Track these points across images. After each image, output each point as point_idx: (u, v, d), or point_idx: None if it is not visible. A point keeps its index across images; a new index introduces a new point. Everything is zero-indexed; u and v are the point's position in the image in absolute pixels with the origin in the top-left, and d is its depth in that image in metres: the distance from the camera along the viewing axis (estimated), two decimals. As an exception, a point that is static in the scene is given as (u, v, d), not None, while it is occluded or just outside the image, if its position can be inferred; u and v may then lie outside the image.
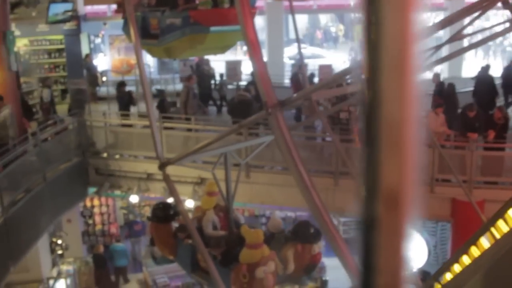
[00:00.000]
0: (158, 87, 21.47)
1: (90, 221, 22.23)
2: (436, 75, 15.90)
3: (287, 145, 6.99)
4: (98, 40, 26.48)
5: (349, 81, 9.06)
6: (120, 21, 25.69)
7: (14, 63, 14.50)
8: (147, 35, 10.09)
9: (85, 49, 23.79)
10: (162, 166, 9.05)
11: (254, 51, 7.19)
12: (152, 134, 9.21)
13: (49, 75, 23.21)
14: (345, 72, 6.90)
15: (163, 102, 17.08)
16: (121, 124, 16.33)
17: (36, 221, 13.18)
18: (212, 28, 9.17)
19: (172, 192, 9.08)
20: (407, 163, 1.05)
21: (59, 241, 17.39)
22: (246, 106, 14.14)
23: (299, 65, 16.53)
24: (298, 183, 6.89)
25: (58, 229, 17.42)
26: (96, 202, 22.26)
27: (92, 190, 16.16)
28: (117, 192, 16.46)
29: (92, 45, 25.09)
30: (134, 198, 15.66)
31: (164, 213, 10.57)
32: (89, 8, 25.15)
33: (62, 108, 20.39)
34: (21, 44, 23.77)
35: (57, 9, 20.77)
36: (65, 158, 15.21)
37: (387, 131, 1.04)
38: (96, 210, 22.39)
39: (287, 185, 14.39)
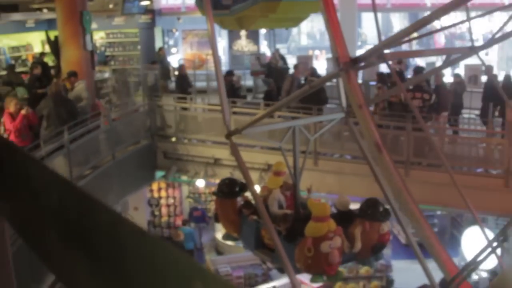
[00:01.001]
0: None
1: (157, 212, 22.45)
2: (489, 68, 14.97)
3: (359, 102, 6.74)
4: (171, 35, 26.85)
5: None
6: (193, 16, 26.25)
7: (89, 42, 14.86)
8: (219, 6, 10.02)
9: (158, 43, 24.20)
10: (229, 135, 8.92)
11: (326, 5, 7.00)
12: (221, 102, 9.09)
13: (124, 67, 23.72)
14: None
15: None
16: (189, 108, 16.39)
17: (103, 197, 13.31)
18: (286, -4, 9.02)
19: (239, 162, 8.92)
20: None
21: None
22: (316, 94, 13.86)
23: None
24: (371, 148, 6.60)
25: (124, 212, 17.58)
26: (163, 193, 22.44)
27: (160, 174, 16.25)
28: (184, 177, 16.50)
29: (165, 39, 25.46)
30: (200, 183, 15.63)
31: (229, 189, 10.42)
32: (164, 3, 25.56)
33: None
34: (98, 37, 24.46)
35: (133, 3, 21.15)
36: (134, 140, 15.36)
37: None
38: (163, 201, 22.54)
39: (356, 174, 14.05)
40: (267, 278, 16.64)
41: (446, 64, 7.88)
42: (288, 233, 9.21)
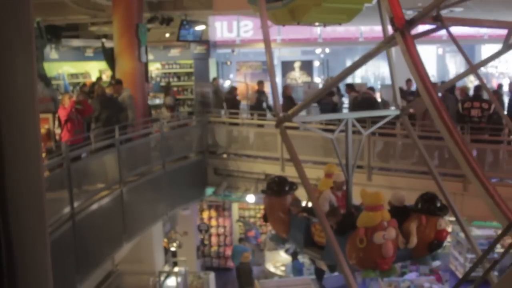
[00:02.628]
0: None
1: (207, 241, 22.22)
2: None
3: (416, 66, 6.44)
4: (225, 67, 27.20)
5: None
6: (247, 49, 26.58)
7: (144, 54, 15.10)
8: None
9: (213, 74, 24.47)
10: (279, 123, 8.72)
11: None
12: (273, 91, 8.96)
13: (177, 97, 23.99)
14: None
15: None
16: (241, 124, 16.34)
17: (152, 204, 13.23)
18: (338, -16, 8.85)
19: (290, 150, 8.68)
20: None
21: (174, 244, 17.36)
22: (369, 103, 13.61)
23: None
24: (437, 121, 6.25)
25: (173, 227, 17.42)
26: (213, 222, 22.29)
27: (210, 190, 16.11)
28: (234, 195, 16.31)
29: (220, 71, 25.77)
30: (250, 199, 15.38)
31: (279, 187, 10.16)
32: (219, 36, 25.97)
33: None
34: (153, 68, 24.99)
35: (189, 30, 21.52)
36: (184, 154, 15.37)
37: None
38: (213, 230, 22.35)
39: (411, 189, 13.47)
40: (315, 302, 16.01)
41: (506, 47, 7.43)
42: (339, 226, 8.81)
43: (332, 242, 7.73)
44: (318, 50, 28.76)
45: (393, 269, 8.57)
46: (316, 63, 28.66)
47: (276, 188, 10.17)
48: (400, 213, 8.85)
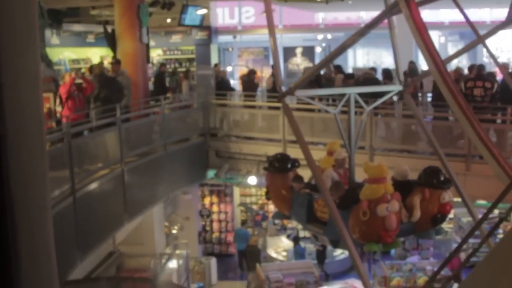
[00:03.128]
0: None
1: (208, 228, 22.20)
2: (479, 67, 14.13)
3: (420, 32, 6.35)
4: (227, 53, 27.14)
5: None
6: (248, 35, 26.50)
7: (145, 35, 15.04)
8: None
9: (214, 59, 24.38)
10: (282, 96, 8.67)
11: None
12: (275, 65, 8.91)
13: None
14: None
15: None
16: (243, 106, 16.27)
17: (153, 185, 13.17)
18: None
19: (292, 123, 8.63)
20: None
21: (175, 227, 17.35)
22: (371, 84, 13.50)
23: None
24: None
25: (175, 211, 17.38)
26: (215, 208, 22.27)
27: (211, 173, 16.06)
28: (236, 178, 16.28)
29: (221, 57, 25.69)
30: (252, 180, 15.32)
31: (281, 164, 10.12)
32: (221, 22, 25.89)
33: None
34: (155, 54, 24.91)
35: (191, 14, 21.40)
36: (186, 135, 15.31)
37: None
38: (214, 216, 22.33)
39: (414, 169, 13.37)
40: (318, 286, 16.00)
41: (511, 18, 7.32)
42: (341, 200, 8.77)
43: (335, 216, 7.68)
44: (319, 36, 28.69)
45: (396, 242, 8.54)
46: (318, 49, 28.57)
47: (278, 165, 10.15)
48: (403, 187, 8.78)
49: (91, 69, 14.69)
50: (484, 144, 5.50)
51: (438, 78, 5.91)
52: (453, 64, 19.46)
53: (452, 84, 5.91)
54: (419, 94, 16.17)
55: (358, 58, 31.08)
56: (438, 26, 26.17)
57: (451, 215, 19.58)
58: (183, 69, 24.55)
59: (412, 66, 16.78)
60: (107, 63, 20.33)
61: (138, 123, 12.92)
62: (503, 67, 8.73)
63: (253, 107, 16.16)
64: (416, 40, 6.41)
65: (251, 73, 17.56)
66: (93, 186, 10.43)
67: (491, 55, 7.10)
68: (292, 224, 20.64)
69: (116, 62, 14.12)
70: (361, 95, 9.35)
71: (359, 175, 9.50)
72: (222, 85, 17.29)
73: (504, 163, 5.32)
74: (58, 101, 12.00)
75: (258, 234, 20.42)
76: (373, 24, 7.36)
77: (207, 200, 22.18)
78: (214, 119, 15.92)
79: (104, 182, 10.89)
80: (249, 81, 17.29)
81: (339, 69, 16.30)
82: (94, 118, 11.14)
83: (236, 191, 22.01)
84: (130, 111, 13.11)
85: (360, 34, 7.62)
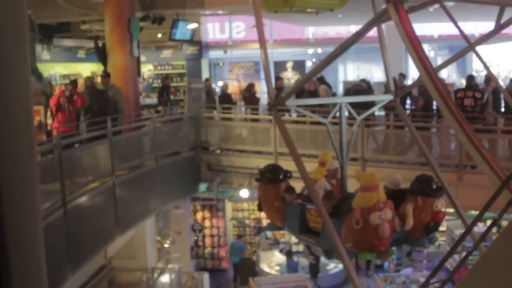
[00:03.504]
0: None
1: (201, 243, 22.08)
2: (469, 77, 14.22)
3: (410, 39, 6.37)
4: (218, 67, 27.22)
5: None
6: (239, 50, 26.61)
7: (136, 49, 15.03)
8: (263, -17, 9.92)
9: (205, 74, 24.43)
10: (273, 106, 8.64)
11: None
12: (266, 75, 8.89)
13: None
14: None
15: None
16: (233, 119, 16.29)
17: (144, 199, 13.11)
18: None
19: (283, 132, 8.60)
20: None
21: (167, 241, 17.24)
22: (362, 94, 13.54)
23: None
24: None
25: (166, 225, 17.28)
26: (207, 222, 22.16)
27: (203, 186, 16.01)
28: (228, 191, 16.24)
29: (212, 71, 25.76)
30: (244, 193, 15.28)
31: (273, 174, 10.07)
32: (211, 37, 25.99)
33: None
34: (146, 69, 24.94)
35: (181, 29, 21.46)
36: (177, 149, 15.28)
37: None
38: (207, 231, 22.22)
39: (407, 180, 13.38)
40: (311, 300, 15.95)
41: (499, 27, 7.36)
42: (334, 209, 8.72)
43: (328, 226, 7.63)
44: (310, 51, 28.83)
45: (390, 251, 8.46)
46: (308, 63, 28.71)
47: (270, 175, 10.08)
48: (396, 196, 8.75)
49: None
50: (476, 148, 5.50)
51: (429, 83, 5.92)
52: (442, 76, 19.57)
53: (442, 88, 5.92)
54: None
55: (349, 72, 31.23)
56: (427, 39, 26.36)
57: (443, 228, 19.61)
58: (175, 84, 24.71)
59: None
60: (98, 77, 20.37)
61: (129, 136, 12.88)
62: (494, 77, 8.79)
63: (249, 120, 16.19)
64: (406, 46, 6.42)
65: (250, 87, 17.59)
66: (84, 198, 10.36)
67: (483, 63, 7.11)
68: (285, 238, 20.59)
69: (105, 75, 14.10)
70: (352, 107, 9.35)
71: (352, 186, 9.49)
72: (225, 99, 17.30)
73: (497, 167, 5.32)
74: (48, 113, 11.95)
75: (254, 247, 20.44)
76: (363, 31, 7.37)
77: (199, 215, 22.08)
78: (205, 132, 15.90)
79: (95, 195, 10.82)
80: (250, 96, 17.32)
81: (321, 80, 16.33)
82: (84, 131, 11.09)
83: (228, 205, 21.94)
84: (121, 124, 13.07)
85: (350, 41, 7.63)
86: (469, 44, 7.17)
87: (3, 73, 2.14)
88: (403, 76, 16.56)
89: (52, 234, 8.73)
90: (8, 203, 2.23)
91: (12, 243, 2.27)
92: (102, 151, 11.47)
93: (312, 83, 15.74)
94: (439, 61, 32.62)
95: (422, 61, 6.18)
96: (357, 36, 7.53)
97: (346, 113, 9.25)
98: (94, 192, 10.78)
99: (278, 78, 17.46)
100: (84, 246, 10.14)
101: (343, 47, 7.85)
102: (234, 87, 25.89)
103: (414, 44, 6.27)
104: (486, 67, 7.35)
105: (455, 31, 22.71)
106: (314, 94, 15.44)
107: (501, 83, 24.73)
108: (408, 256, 18.44)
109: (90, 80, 13.28)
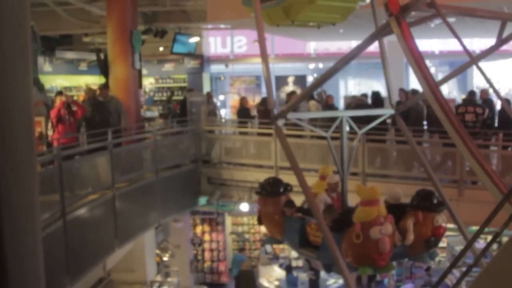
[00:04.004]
0: None
1: (200, 257, 22.00)
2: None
3: (412, 51, 6.39)
4: (219, 81, 27.29)
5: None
6: (240, 64, 26.68)
7: (138, 61, 15.09)
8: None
9: (206, 88, 24.47)
10: (274, 119, 8.65)
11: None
12: (267, 87, 8.90)
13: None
14: None
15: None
16: (234, 133, 16.28)
17: (144, 211, 13.07)
18: (331, -22, 8.86)
19: (284, 146, 8.59)
20: None
21: (166, 254, 17.17)
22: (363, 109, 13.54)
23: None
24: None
25: (166, 238, 17.23)
26: (207, 237, 22.08)
27: (203, 200, 15.97)
28: (228, 205, 16.19)
29: (213, 85, 25.82)
30: (244, 207, 15.24)
31: (273, 188, 10.05)
32: (213, 51, 26.08)
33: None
34: (147, 82, 25.00)
35: (183, 43, 21.55)
36: (178, 162, 15.26)
37: None
38: (206, 245, 22.14)
39: (407, 195, 13.32)
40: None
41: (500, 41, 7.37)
42: (334, 223, 8.68)
43: (329, 240, 7.59)
44: (311, 66, 28.91)
45: (390, 266, 8.42)
46: (309, 78, 28.79)
47: (270, 188, 10.05)
48: (396, 211, 8.72)
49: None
50: (477, 161, 5.49)
51: (430, 95, 5.93)
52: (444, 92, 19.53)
53: (444, 101, 5.93)
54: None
55: (350, 88, 31.28)
56: (428, 55, 26.41)
57: (444, 244, 19.52)
58: (179, 97, 24.72)
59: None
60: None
61: (130, 148, 12.88)
62: (497, 91, 8.77)
63: (245, 133, 16.16)
64: (408, 60, 6.45)
65: (265, 101, 17.58)
66: (84, 210, 10.33)
67: (485, 77, 7.11)
68: (285, 253, 20.51)
69: (104, 87, 14.10)
70: (354, 121, 9.35)
71: (352, 200, 9.46)
72: (242, 113, 17.25)
73: (498, 180, 5.31)
74: (49, 125, 11.96)
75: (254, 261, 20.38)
76: (365, 44, 7.39)
77: (198, 229, 22.01)
78: (206, 145, 15.89)
79: (95, 207, 10.79)
80: (265, 110, 17.27)
81: (311, 96, 16.22)
82: (85, 142, 11.09)
83: (228, 220, 21.88)
84: (122, 136, 13.07)
85: (351, 55, 7.65)
86: (471, 59, 7.18)
87: (5, 83, 2.13)
88: (403, 91, 16.55)
89: (51, 245, 8.68)
90: (7, 212, 2.21)
91: (10, 253, 2.25)
92: (102, 163, 11.45)
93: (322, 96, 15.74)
94: (440, 77, 32.73)
95: (424, 74, 6.21)
96: (359, 50, 7.55)
97: (348, 128, 9.29)
98: (93, 204, 10.75)
99: (293, 93, 17.46)
100: (83, 257, 10.10)
101: (345, 60, 7.87)
102: (234, 101, 25.94)
103: (416, 58, 6.30)
104: (488, 81, 7.35)
105: (456, 47, 22.75)
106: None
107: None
108: (427, 271, 18.37)
109: (91, 91, 13.31)
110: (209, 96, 22.97)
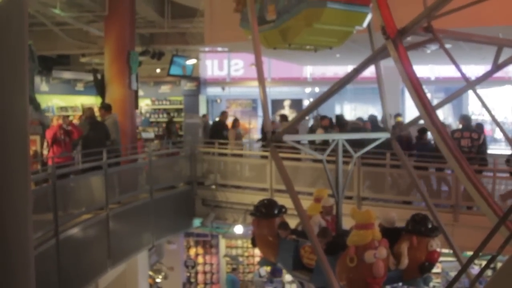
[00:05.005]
0: None
1: (193, 279, 21.83)
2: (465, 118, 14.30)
3: (409, 75, 6.42)
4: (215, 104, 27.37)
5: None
6: (237, 87, 26.79)
7: (134, 82, 15.12)
8: (264, 22, 10.02)
9: (202, 110, 24.51)
10: (270, 141, 8.66)
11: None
12: (263, 109, 8.93)
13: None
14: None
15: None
16: (230, 155, 16.26)
17: (137, 232, 13.00)
18: (330, 4, 8.93)
19: (279, 167, 8.59)
20: None
21: (159, 276, 17.04)
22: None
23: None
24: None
25: (159, 260, 17.11)
26: (200, 259, 21.94)
27: (197, 221, 15.90)
28: (223, 227, 16.12)
29: (210, 108, 25.88)
30: (238, 229, 15.17)
31: (267, 209, 10.02)
32: (210, 74, 26.19)
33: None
34: (144, 104, 25.04)
35: (179, 65, 21.63)
36: (172, 183, 15.22)
37: None
38: (200, 268, 21.99)
39: (402, 220, 13.30)
40: None
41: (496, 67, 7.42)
42: (329, 246, 8.65)
43: (323, 262, 7.56)
44: (307, 90, 29.07)
45: (384, 291, 8.39)
46: (306, 102, 28.93)
47: (265, 210, 10.02)
48: (391, 234, 8.70)
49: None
50: (473, 184, 5.49)
51: (426, 118, 5.95)
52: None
53: (440, 125, 5.95)
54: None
55: (346, 112, 31.43)
56: (424, 81, 26.55)
57: (438, 269, 19.40)
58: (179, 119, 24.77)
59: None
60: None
61: (124, 168, 12.85)
62: (493, 117, 8.81)
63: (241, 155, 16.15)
64: (404, 83, 6.47)
65: (234, 121, 17.67)
66: (77, 229, 10.27)
67: (481, 101, 7.17)
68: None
69: (102, 107, 14.12)
70: (350, 145, 9.36)
71: (347, 224, 9.43)
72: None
73: (493, 203, 5.31)
74: (45, 144, 11.95)
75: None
76: (361, 67, 7.43)
77: (192, 251, 21.85)
78: (201, 167, 15.86)
79: (88, 226, 10.73)
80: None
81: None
82: (80, 161, 11.07)
83: (222, 242, 21.74)
84: (118, 156, 13.05)
85: (348, 78, 7.69)
86: (468, 83, 7.24)
87: (1, 101, 2.12)
88: (400, 116, 16.64)
89: (44, 264, 8.61)
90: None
91: (2, 271, 2.23)
92: (96, 183, 11.42)
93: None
94: (434, 103, 32.89)
95: (421, 97, 6.23)
96: (356, 73, 7.59)
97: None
98: (87, 224, 10.70)
99: (284, 117, 17.52)
100: (75, 277, 10.01)
101: (341, 83, 7.92)
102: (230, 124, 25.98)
103: (412, 81, 6.33)
104: (485, 106, 7.40)
105: (452, 73, 22.74)
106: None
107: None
108: None
109: (90, 110, 13.30)
110: (236, 120, 22.88)
